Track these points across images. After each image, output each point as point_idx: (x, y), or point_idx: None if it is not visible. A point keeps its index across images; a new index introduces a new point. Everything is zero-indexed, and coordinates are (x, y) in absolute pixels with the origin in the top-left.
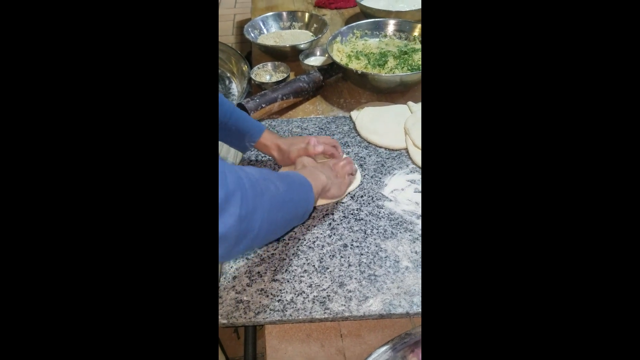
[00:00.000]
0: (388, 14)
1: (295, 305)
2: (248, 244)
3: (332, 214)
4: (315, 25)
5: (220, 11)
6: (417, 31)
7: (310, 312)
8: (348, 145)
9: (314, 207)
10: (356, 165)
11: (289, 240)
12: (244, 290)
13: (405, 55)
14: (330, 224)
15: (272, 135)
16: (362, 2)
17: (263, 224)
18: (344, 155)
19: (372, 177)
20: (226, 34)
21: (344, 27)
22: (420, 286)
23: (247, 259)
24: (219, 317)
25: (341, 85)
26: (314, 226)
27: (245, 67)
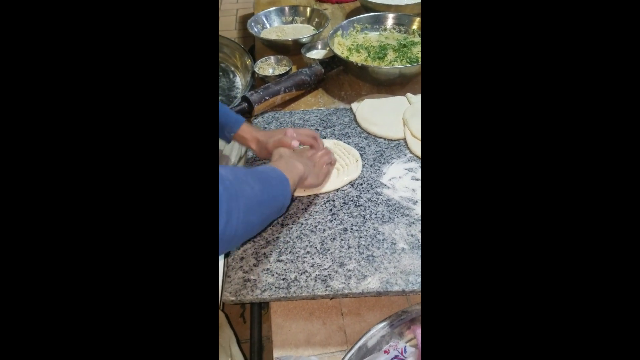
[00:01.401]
0: (388, 7)
1: (298, 283)
2: (225, 246)
3: (333, 200)
4: (316, 20)
5: (223, 6)
6: (416, 24)
7: (313, 290)
8: (349, 136)
9: (295, 198)
10: (357, 154)
11: (292, 224)
12: (251, 270)
13: (405, 48)
14: (331, 209)
15: (251, 128)
16: None
17: (239, 225)
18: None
19: (371, 166)
20: (229, 28)
21: (345, 21)
22: (415, 266)
23: (254, 241)
24: (228, 294)
25: (342, 78)
26: (316, 212)
27: (248, 61)
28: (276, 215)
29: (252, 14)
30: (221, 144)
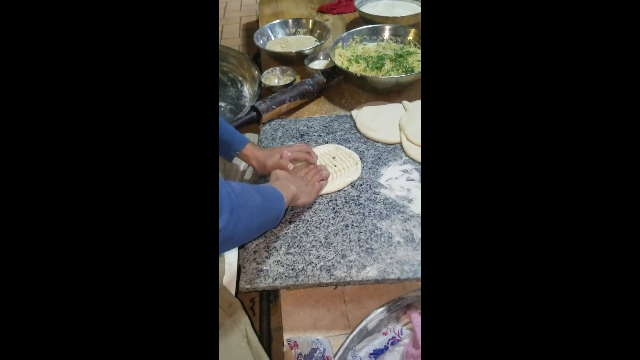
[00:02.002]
0: (385, 19)
1: (306, 273)
2: (229, 245)
3: (336, 199)
4: (318, 31)
5: (227, 14)
6: (411, 35)
7: (318, 278)
8: (349, 141)
9: (286, 210)
10: (357, 157)
11: (299, 222)
12: (264, 261)
13: (401, 58)
14: (334, 208)
15: (253, 148)
16: (361, 9)
17: (243, 229)
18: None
19: (370, 168)
20: (233, 36)
21: (345, 33)
22: (409, 257)
23: (265, 237)
24: (244, 283)
25: (343, 87)
26: (320, 210)
27: (256, 72)
28: (271, 225)
29: (256, 22)
30: None
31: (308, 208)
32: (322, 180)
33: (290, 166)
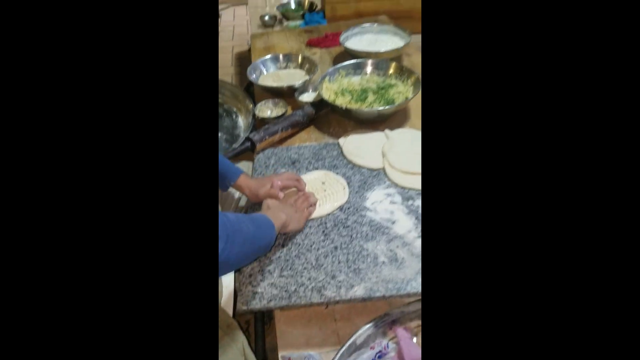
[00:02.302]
0: (368, 54)
1: (298, 294)
2: (225, 270)
3: (325, 223)
4: (307, 65)
5: (220, 44)
6: (392, 69)
7: (310, 299)
8: (337, 167)
9: (278, 235)
10: (345, 182)
11: (292, 245)
12: (258, 284)
13: (382, 91)
14: (324, 231)
15: (246, 178)
16: (346, 44)
17: (237, 255)
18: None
19: (356, 192)
20: (226, 64)
21: (331, 68)
22: (393, 275)
23: (260, 261)
24: (241, 304)
25: (330, 117)
26: (311, 233)
27: (250, 105)
28: (263, 251)
29: (248, 51)
30: None
31: (300, 232)
32: (311, 206)
33: (281, 195)
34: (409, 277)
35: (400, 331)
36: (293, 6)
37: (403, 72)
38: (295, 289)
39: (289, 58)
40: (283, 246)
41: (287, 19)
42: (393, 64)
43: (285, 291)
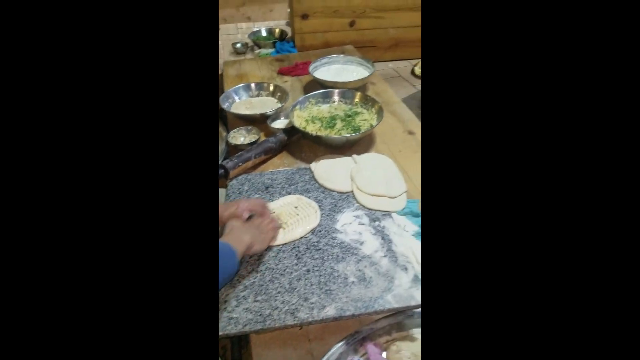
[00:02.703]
0: (335, 83)
1: (272, 317)
2: None
3: (298, 246)
4: (279, 93)
5: None
6: (357, 98)
7: (284, 321)
8: (309, 191)
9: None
10: (317, 206)
11: (265, 270)
12: (233, 309)
13: (350, 118)
14: (296, 254)
15: None
16: (314, 74)
17: None
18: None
19: (327, 215)
20: None
21: (302, 97)
22: (362, 294)
23: (234, 287)
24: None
25: (302, 142)
26: (285, 258)
27: (224, 133)
28: (226, 282)
29: (220, 75)
30: None
31: (273, 256)
32: (275, 228)
33: (246, 215)
34: (376, 295)
35: (371, 347)
36: (264, 34)
37: (367, 100)
38: (270, 312)
39: (261, 86)
40: (257, 272)
41: (259, 47)
42: (358, 94)
43: (260, 315)
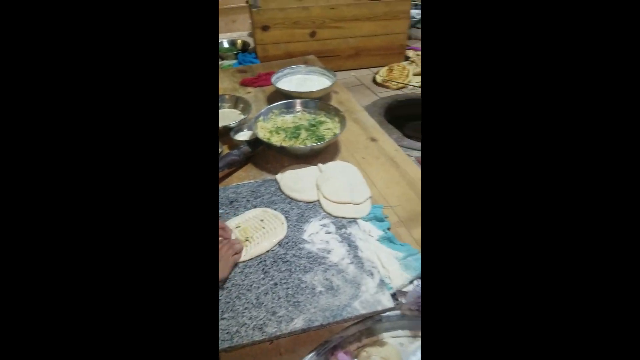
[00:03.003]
0: (299, 94)
1: (240, 334)
2: None
3: (265, 260)
4: (242, 105)
5: None
6: (320, 107)
7: (252, 337)
8: (275, 203)
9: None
10: (283, 217)
11: (232, 287)
12: None
13: (314, 128)
14: (263, 268)
15: None
16: (277, 84)
17: None
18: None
19: (294, 226)
20: None
21: (265, 108)
22: (330, 304)
23: None
24: None
25: (267, 153)
26: (251, 273)
27: None
28: None
29: None
30: None
31: (239, 272)
32: (236, 254)
33: None
34: (344, 303)
35: (341, 355)
36: (226, 45)
37: (331, 109)
38: (237, 329)
39: (222, 98)
40: (223, 289)
41: (222, 58)
42: (321, 103)
43: (227, 333)
